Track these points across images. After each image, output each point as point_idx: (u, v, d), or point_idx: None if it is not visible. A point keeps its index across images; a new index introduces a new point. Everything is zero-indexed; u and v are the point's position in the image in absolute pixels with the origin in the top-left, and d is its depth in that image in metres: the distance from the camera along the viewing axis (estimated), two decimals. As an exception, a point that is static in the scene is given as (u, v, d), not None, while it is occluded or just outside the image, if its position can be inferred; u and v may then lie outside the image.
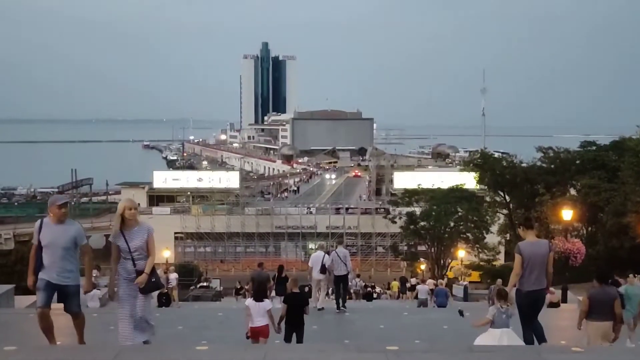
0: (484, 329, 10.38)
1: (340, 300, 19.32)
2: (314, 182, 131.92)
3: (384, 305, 27.01)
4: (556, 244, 23.15)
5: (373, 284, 46.95)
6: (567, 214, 25.13)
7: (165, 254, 56.01)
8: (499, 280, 20.56)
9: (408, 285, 39.98)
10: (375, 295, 41.39)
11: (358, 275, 47.13)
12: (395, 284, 45.82)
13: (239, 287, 56.81)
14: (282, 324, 12.64)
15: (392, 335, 14.51)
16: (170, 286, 25.26)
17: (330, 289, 23.39)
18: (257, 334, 12.01)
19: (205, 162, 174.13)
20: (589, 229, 36.52)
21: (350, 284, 21.12)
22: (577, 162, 41.69)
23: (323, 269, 18.94)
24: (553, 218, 36.43)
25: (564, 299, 22.71)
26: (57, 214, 9.06)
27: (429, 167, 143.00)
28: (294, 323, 12.74)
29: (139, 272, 9.29)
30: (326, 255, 19.20)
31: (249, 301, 12.48)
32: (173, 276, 25.94)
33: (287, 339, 12.69)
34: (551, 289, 11.05)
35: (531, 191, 40.51)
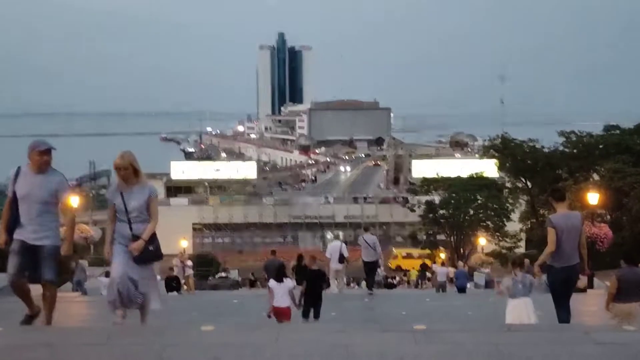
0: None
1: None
2: (331, 173, 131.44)
3: (405, 292, 26.41)
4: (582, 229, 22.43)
5: (399, 281, 46.26)
6: (593, 197, 24.32)
7: (183, 243, 55.77)
8: (527, 261, 19.84)
9: (429, 274, 39.34)
10: (395, 284, 40.82)
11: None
12: (414, 273, 45.30)
13: (252, 278, 56.60)
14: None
15: (414, 320, 13.97)
16: (187, 275, 24.91)
17: (349, 278, 22.95)
18: (279, 315, 12.25)
19: (223, 154, 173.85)
20: (614, 214, 35.63)
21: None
22: (601, 146, 40.74)
23: (341, 259, 18.44)
24: (577, 203, 35.55)
25: (590, 285, 22.02)
26: (38, 162, 7.62)
27: (452, 155, 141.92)
28: (312, 298, 13.06)
29: (136, 237, 7.98)
30: (343, 244, 18.78)
31: (272, 282, 12.68)
32: (189, 264, 25.55)
33: (305, 315, 13.05)
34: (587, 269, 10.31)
35: (553, 176, 39.62)
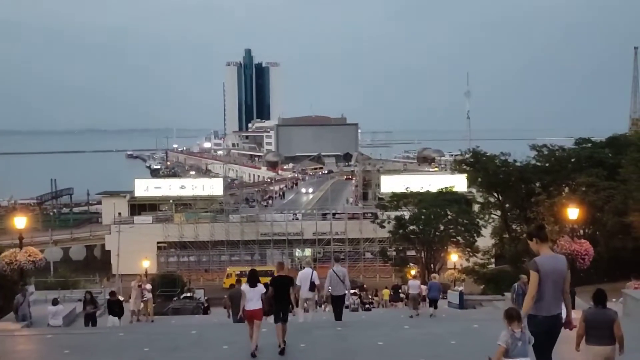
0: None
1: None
2: (299, 189, 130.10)
3: (379, 315, 25.05)
4: (562, 245, 21.40)
5: (371, 301, 45.10)
6: (572, 212, 23.34)
7: (145, 264, 53.77)
8: (523, 277, 18.54)
9: (402, 294, 38.32)
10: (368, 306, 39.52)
11: (354, 294, 45.42)
12: (387, 292, 44.28)
13: (205, 305, 54.87)
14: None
15: (393, 353, 12.65)
16: (145, 299, 23.23)
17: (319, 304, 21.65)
18: (251, 317, 13.38)
19: (192, 172, 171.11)
20: (587, 229, 34.87)
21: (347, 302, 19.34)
22: (573, 160, 40.12)
23: (312, 286, 17.71)
24: (550, 218, 34.75)
25: (572, 305, 20.94)
26: None
27: (420, 170, 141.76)
28: (280, 303, 13.72)
29: None
30: (314, 272, 17.93)
31: (245, 286, 13.86)
32: (148, 287, 23.86)
33: (276, 319, 13.65)
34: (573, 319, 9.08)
35: (526, 191, 38.81)
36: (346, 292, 18.18)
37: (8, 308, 23.43)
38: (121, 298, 24.58)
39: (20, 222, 21.59)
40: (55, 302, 18.91)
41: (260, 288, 13.73)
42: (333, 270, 18.07)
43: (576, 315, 9.40)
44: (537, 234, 8.84)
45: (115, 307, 20.78)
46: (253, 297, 13.50)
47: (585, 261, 21.31)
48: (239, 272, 66.83)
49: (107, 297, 21.25)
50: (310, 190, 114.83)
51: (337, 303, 18.10)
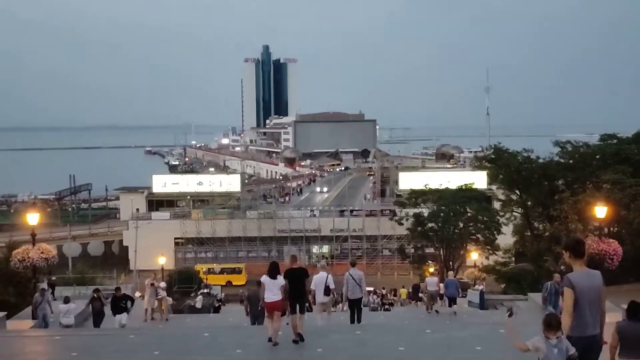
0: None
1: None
2: (316, 186, 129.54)
3: (399, 317, 24.38)
4: (589, 244, 20.61)
5: (391, 302, 44.61)
6: (600, 211, 22.48)
7: (161, 260, 53.42)
8: (557, 275, 17.75)
9: (421, 294, 37.67)
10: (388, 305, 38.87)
11: (375, 292, 44.89)
12: (404, 291, 43.70)
13: (246, 293, 54.49)
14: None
15: (416, 359, 12.00)
16: (159, 297, 22.75)
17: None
18: (272, 308, 13.76)
19: (212, 169, 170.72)
20: (613, 228, 33.92)
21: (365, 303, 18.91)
22: (597, 156, 39.09)
23: (327, 291, 17.25)
24: (574, 217, 33.88)
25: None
26: None
27: (439, 167, 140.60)
28: (295, 295, 14.08)
29: None
30: (329, 276, 17.48)
31: (265, 277, 14.23)
32: (162, 285, 23.36)
33: (292, 311, 14.09)
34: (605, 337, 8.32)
35: (549, 188, 37.84)
36: (362, 295, 17.80)
37: (23, 304, 23.11)
38: (138, 294, 24.12)
39: (32, 218, 21.18)
40: (66, 300, 18.47)
41: (280, 280, 14.02)
42: (349, 273, 17.67)
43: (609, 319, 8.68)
44: (574, 248, 8.14)
45: (121, 302, 20.00)
46: (273, 289, 13.86)
47: (613, 261, 20.55)
48: (206, 270, 66.44)
49: (113, 292, 20.63)
50: (325, 189, 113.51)
51: (354, 307, 17.67)
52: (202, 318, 23.78)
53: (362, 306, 17.98)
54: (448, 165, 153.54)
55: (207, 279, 56.37)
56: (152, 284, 22.86)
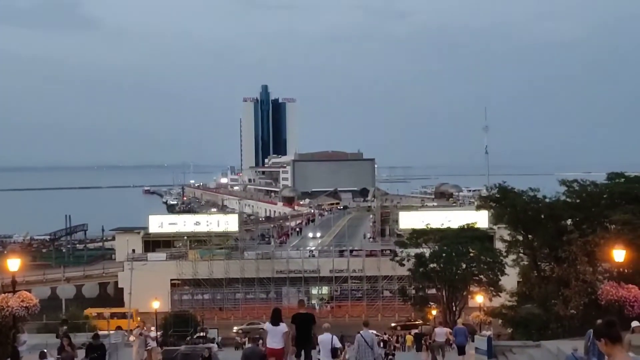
0: None
1: None
2: (315, 224, 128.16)
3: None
4: (607, 290, 19.33)
5: (393, 352, 43.04)
6: (618, 254, 21.22)
7: (154, 304, 51.78)
8: (600, 322, 16.30)
9: (425, 342, 36.32)
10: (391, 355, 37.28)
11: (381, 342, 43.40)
12: (410, 338, 42.36)
13: (240, 340, 52.56)
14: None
15: None
16: (148, 348, 21.33)
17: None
18: (273, 356, 13.68)
19: (214, 209, 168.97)
20: (623, 270, 32.59)
21: None
22: (605, 195, 38.01)
23: (334, 353, 16.07)
24: (584, 258, 32.54)
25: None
26: None
27: (435, 205, 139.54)
28: (301, 341, 14.29)
29: None
30: (335, 337, 16.49)
31: (267, 325, 14.27)
32: (152, 335, 21.94)
33: (297, 355, 14.22)
34: None
35: (556, 229, 36.67)
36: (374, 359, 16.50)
37: (3, 355, 21.70)
38: (132, 338, 22.61)
39: (13, 264, 19.90)
40: (42, 355, 17.02)
41: (283, 327, 13.99)
42: (361, 334, 16.56)
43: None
44: (607, 332, 6.79)
45: (95, 353, 17.98)
46: (275, 336, 13.75)
47: (634, 308, 19.19)
48: (95, 314, 61.61)
49: (90, 340, 18.70)
50: (320, 233, 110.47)
51: None
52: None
53: None
54: (448, 204, 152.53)
55: (95, 325, 51.19)
56: (141, 334, 21.49)
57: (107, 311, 64.19)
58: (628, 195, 36.05)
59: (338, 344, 16.24)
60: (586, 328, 30.86)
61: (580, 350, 17.68)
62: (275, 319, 14.15)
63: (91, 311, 62.98)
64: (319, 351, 16.17)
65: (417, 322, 62.89)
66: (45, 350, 17.09)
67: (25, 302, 19.39)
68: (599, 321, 16.92)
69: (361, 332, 16.84)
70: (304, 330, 14.49)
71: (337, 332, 48.74)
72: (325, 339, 16.24)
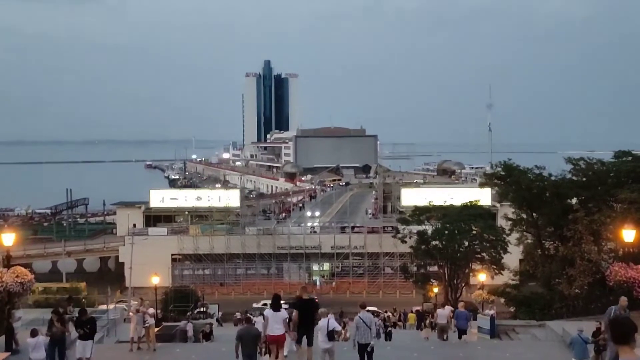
0: None
1: None
2: (318, 200, 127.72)
3: (405, 348, 22.50)
4: (616, 271, 18.84)
5: (394, 323, 42.85)
6: (628, 234, 20.64)
7: (154, 280, 51.43)
8: (623, 299, 15.52)
9: (428, 321, 36.10)
10: (390, 327, 37.09)
11: (377, 315, 43.22)
12: (412, 316, 42.17)
13: (239, 317, 52.18)
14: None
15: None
16: (146, 325, 20.94)
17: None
18: (274, 342, 13.84)
19: (218, 185, 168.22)
20: (630, 250, 32.12)
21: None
22: (612, 174, 37.38)
23: (330, 335, 15.91)
24: (589, 237, 32.09)
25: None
26: None
27: (440, 182, 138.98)
28: (304, 326, 14.33)
29: None
30: (331, 319, 16.34)
31: (268, 311, 14.29)
32: (150, 312, 21.52)
33: (299, 341, 14.37)
34: None
35: (562, 207, 36.09)
36: (372, 341, 16.21)
37: (-1, 330, 21.29)
38: (131, 312, 22.14)
39: (8, 238, 19.42)
40: (34, 333, 16.57)
41: (283, 313, 14.12)
42: (360, 317, 16.35)
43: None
44: (611, 333, 6.29)
45: (85, 328, 16.81)
46: (276, 322, 13.87)
47: (643, 290, 18.67)
48: (42, 288, 57.38)
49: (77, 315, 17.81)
50: (320, 211, 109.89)
51: (364, 350, 16.21)
52: (193, 348, 21.91)
53: (373, 352, 16.34)
54: (450, 182, 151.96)
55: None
56: (138, 310, 21.08)
57: (54, 286, 61.31)
58: (635, 174, 35.48)
59: (336, 327, 16.11)
60: (590, 308, 30.61)
61: (587, 331, 17.28)
62: (276, 305, 14.24)
63: (37, 286, 59.26)
64: (318, 336, 15.89)
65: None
66: (37, 328, 16.62)
67: (20, 278, 18.96)
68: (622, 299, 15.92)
69: (359, 314, 16.67)
70: (307, 316, 14.45)
71: (337, 309, 48.62)
72: (322, 324, 16.07)
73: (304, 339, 15.37)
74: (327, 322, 15.96)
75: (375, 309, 56.17)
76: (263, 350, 15.50)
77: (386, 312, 52.52)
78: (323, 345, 15.83)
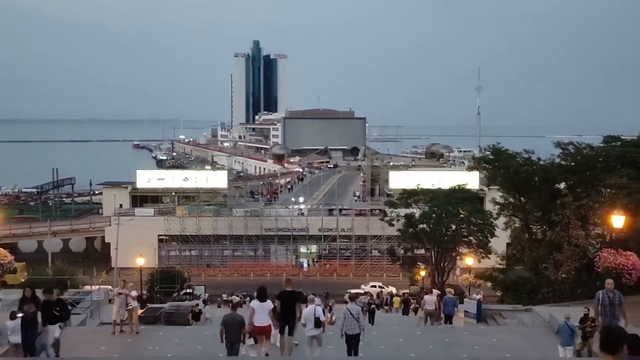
0: None
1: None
2: (305, 182, 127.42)
3: (392, 333, 22.31)
4: (605, 257, 18.67)
5: (377, 303, 42.81)
6: (617, 220, 20.48)
7: (139, 261, 50.98)
8: (610, 282, 15.19)
9: (412, 306, 36.08)
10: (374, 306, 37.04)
11: (365, 293, 43.31)
12: (397, 300, 42.08)
13: (226, 298, 52.01)
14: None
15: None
16: (129, 308, 20.60)
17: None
18: (260, 333, 14.21)
19: (208, 167, 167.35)
20: (617, 235, 32.06)
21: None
22: (600, 159, 37.25)
23: (318, 323, 15.83)
24: (577, 222, 31.99)
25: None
26: None
27: (428, 165, 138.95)
28: (286, 317, 14.58)
29: None
30: (318, 307, 16.28)
31: (254, 302, 14.64)
32: (133, 294, 21.16)
33: (281, 331, 14.65)
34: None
35: (550, 192, 35.95)
36: (360, 331, 16.26)
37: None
38: (121, 291, 21.61)
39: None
40: (12, 315, 16.13)
41: (269, 304, 14.46)
42: (347, 308, 16.49)
43: None
44: (600, 342, 6.16)
45: (55, 309, 16.04)
46: (262, 313, 14.22)
47: (632, 277, 18.57)
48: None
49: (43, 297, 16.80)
50: (307, 193, 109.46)
51: (351, 342, 16.28)
52: (177, 332, 21.61)
53: (359, 342, 16.29)
54: (438, 164, 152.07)
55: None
56: (121, 293, 20.73)
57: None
58: (624, 159, 35.33)
59: (322, 316, 15.90)
60: (577, 293, 30.57)
61: (575, 316, 17.14)
62: (262, 296, 14.59)
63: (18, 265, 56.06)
64: (304, 324, 15.75)
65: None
66: (16, 310, 16.19)
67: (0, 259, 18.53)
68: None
69: (347, 305, 16.73)
70: (289, 307, 14.85)
71: (322, 290, 48.30)
72: (309, 311, 15.95)
73: (286, 329, 15.51)
74: (313, 309, 15.87)
75: (361, 290, 56.30)
76: (246, 337, 15.25)
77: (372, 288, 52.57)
78: (311, 332, 15.73)
